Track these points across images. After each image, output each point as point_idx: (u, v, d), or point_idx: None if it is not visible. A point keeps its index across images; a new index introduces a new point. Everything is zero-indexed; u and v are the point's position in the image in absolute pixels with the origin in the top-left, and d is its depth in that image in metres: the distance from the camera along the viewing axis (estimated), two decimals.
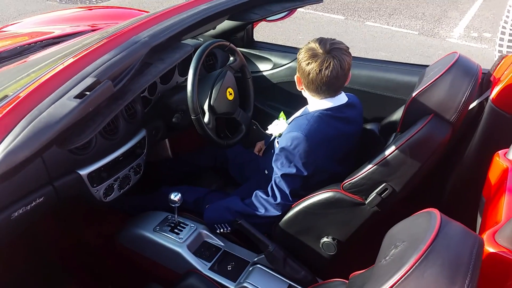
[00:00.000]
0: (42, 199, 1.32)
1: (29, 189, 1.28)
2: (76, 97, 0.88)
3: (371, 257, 1.08)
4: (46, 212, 1.38)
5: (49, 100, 0.87)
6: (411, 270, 0.61)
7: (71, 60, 0.96)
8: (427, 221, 0.69)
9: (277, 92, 2.13)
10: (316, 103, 1.51)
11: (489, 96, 1.43)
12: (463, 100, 1.24)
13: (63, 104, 0.86)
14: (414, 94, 1.29)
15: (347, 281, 1.13)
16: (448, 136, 1.25)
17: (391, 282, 0.63)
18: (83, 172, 1.43)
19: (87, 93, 0.86)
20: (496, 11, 6.79)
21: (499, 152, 1.15)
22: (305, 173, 1.46)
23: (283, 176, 1.49)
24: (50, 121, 0.85)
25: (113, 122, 1.51)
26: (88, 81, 0.88)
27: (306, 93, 1.53)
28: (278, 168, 1.50)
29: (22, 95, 0.90)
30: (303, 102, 1.64)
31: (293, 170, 1.46)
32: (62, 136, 0.89)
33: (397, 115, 1.64)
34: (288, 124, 1.58)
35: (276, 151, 1.51)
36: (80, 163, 1.43)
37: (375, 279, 0.71)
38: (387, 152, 1.28)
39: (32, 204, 1.29)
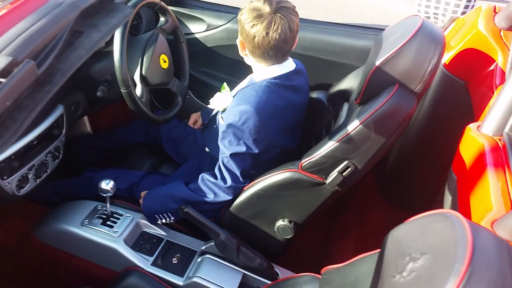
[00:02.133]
0: None
1: None
2: None
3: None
4: None
5: None
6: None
7: None
8: (450, 229, 0.59)
9: (212, 57, 1.91)
10: (262, 71, 1.35)
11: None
12: (429, 69, 1.16)
13: None
14: (378, 63, 1.18)
15: (319, 276, 1.03)
16: (414, 108, 1.17)
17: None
18: None
19: (2, 80, 0.60)
20: None
21: (470, 125, 1.10)
22: (256, 151, 1.32)
23: (232, 155, 1.33)
24: None
25: None
26: (1, 62, 0.61)
27: (250, 60, 1.37)
28: (226, 147, 1.33)
29: None
30: (245, 68, 1.47)
31: (243, 148, 1.31)
32: None
33: (347, 82, 1.54)
34: (233, 97, 1.41)
35: (222, 128, 1.34)
36: None
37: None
38: (349, 128, 1.17)
39: None
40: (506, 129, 1.03)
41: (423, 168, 1.69)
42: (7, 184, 1.23)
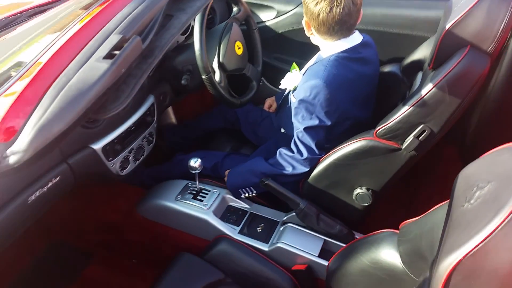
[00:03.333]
0: (58, 178, 1.22)
1: (44, 170, 1.19)
2: (105, 57, 0.76)
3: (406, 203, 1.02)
4: (63, 192, 1.29)
5: (75, 64, 0.75)
6: None
7: (87, 18, 0.83)
8: None
9: (283, 43, 2.00)
10: (329, 47, 1.41)
11: None
12: (501, 28, 1.14)
13: (93, 66, 0.74)
14: (447, 26, 1.19)
15: (397, 231, 1.07)
16: (487, 68, 1.16)
17: (492, 225, 0.57)
18: (97, 146, 1.33)
19: (116, 52, 0.75)
20: None
21: None
22: (329, 123, 1.38)
23: (306, 129, 1.40)
24: (82, 87, 0.73)
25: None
26: (114, 39, 0.76)
27: (317, 38, 1.43)
28: (299, 122, 1.41)
29: (42, 60, 0.78)
30: (313, 50, 1.53)
31: (316, 122, 1.38)
32: (97, 104, 0.78)
33: (420, 52, 1.54)
34: (303, 75, 1.48)
35: (294, 104, 1.42)
36: (93, 137, 1.33)
37: (463, 224, 0.65)
38: (423, 92, 1.19)
39: (49, 185, 1.20)
40: None
41: (505, 135, 1.63)
42: (112, 165, 1.41)
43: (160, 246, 1.63)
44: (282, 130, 1.72)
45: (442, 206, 0.90)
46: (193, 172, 1.47)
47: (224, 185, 1.60)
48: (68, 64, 0.75)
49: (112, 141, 1.38)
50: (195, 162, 1.46)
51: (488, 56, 1.18)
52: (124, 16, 0.80)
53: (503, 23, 1.15)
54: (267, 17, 1.99)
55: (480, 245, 0.58)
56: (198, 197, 1.53)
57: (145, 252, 1.69)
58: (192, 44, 1.49)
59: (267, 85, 2.10)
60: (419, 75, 1.45)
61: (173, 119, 2.12)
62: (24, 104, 0.71)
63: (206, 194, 1.55)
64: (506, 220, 0.57)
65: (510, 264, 0.57)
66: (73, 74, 0.74)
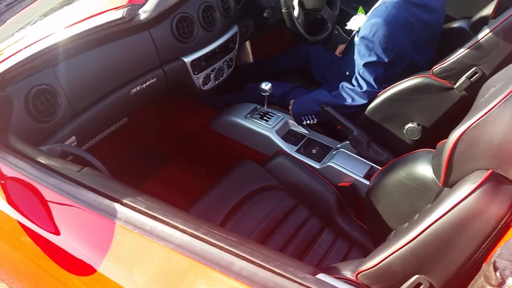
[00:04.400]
0: (154, 80, 1.50)
1: (145, 70, 1.48)
2: None
3: None
4: (157, 92, 1.57)
5: None
6: (511, 94, 0.69)
7: None
8: None
9: None
10: None
11: None
12: None
13: None
14: None
15: (433, 150, 1.22)
16: None
17: (491, 104, 0.71)
18: (187, 59, 1.59)
19: None
20: None
21: None
22: (386, 60, 1.51)
23: (365, 65, 1.55)
24: None
25: (211, 15, 1.63)
26: None
27: None
28: (360, 58, 1.56)
29: None
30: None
31: (374, 58, 1.52)
32: None
33: (490, 9, 1.60)
34: (367, 17, 1.62)
35: (356, 43, 1.57)
36: (184, 51, 1.59)
37: (474, 110, 0.79)
38: (480, 36, 1.30)
39: (147, 83, 1.49)
40: None
41: None
42: (196, 78, 1.68)
43: (227, 158, 1.88)
44: (347, 73, 1.87)
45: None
46: (263, 94, 1.69)
47: (289, 113, 1.80)
48: None
49: (199, 58, 1.63)
50: (266, 85, 1.67)
51: None
52: None
53: None
54: None
55: (481, 119, 0.73)
56: (265, 118, 1.75)
57: (213, 162, 1.96)
58: None
59: (342, 34, 2.24)
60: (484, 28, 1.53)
61: (250, 57, 2.34)
62: None
63: (272, 116, 1.77)
64: (503, 101, 0.71)
65: (503, 134, 0.71)
66: None
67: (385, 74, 1.56)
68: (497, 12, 1.36)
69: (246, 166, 1.60)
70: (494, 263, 0.50)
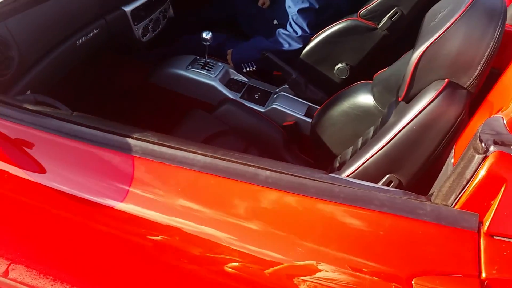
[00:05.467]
0: (98, 30, 1.47)
1: (88, 21, 1.44)
2: None
3: None
4: (101, 44, 1.54)
5: None
6: (463, 13, 0.88)
7: None
8: None
9: None
10: None
11: None
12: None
13: None
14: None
15: (370, 81, 1.42)
16: None
17: (448, 23, 0.89)
18: (127, 8, 1.57)
19: None
20: None
21: None
22: (317, 6, 1.69)
23: (299, 11, 1.70)
24: None
25: None
26: None
27: None
28: (294, 5, 1.70)
29: None
30: None
31: (306, 5, 1.68)
32: None
33: None
34: None
35: None
36: (124, 0, 1.56)
37: (427, 34, 0.96)
38: None
39: (91, 34, 1.46)
40: None
41: None
42: (136, 29, 1.66)
43: (172, 111, 1.91)
44: (275, 22, 2.00)
45: (408, 53, 1.23)
46: (204, 43, 1.74)
47: (226, 62, 1.88)
48: None
49: (138, 7, 1.62)
50: (207, 35, 1.73)
51: None
52: None
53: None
54: None
55: (440, 37, 0.90)
56: (206, 68, 1.81)
57: (159, 117, 1.97)
58: None
59: None
60: None
61: (171, 12, 2.32)
62: None
63: (213, 66, 1.83)
64: (457, 19, 0.89)
65: (458, 47, 0.89)
66: None
67: (316, 19, 1.73)
68: None
69: (196, 115, 1.67)
70: (479, 137, 0.69)
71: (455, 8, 0.92)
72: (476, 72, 0.88)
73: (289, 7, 1.73)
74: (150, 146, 0.85)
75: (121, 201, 0.82)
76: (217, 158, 0.83)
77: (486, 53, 0.87)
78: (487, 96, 0.92)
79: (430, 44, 0.90)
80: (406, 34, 1.68)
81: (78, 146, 0.86)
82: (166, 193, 0.81)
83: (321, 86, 1.78)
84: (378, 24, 1.61)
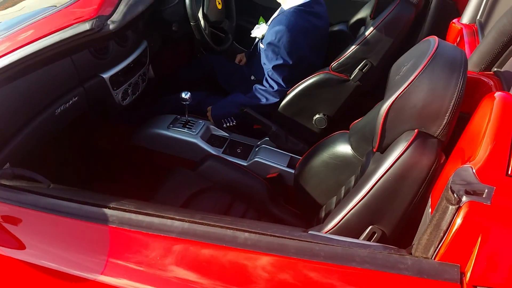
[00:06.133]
0: (76, 98, 1.49)
1: (66, 89, 1.46)
2: None
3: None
4: (80, 111, 1.55)
5: None
6: (425, 67, 0.91)
7: None
8: (427, 43, 0.99)
9: (251, 7, 2.34)
10: (289, 1, 1.76)
11: None
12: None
13: None
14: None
15: (347, 131, 1.45)
16: (413, 15, 1.58)
17: (411, 77, 0.92)
18: (106, 75, 1.60)
19: None
20: None
21: (454, 20, 1.50)
22: (291, 62, 1.74)
23: (274, 68, 1.76)
24: None
25: None
26: None
27: None
28: (268, 62, 1.76)
29: None
30: (273, 13, 1.88)
31: (281, 61, 1.74)
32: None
33: (363, 12, 1.95)
34: (268, 26, 1.83)
35: (264, 49, 1.77)
36: (102, 67, 1.60)
37: (393, 88, 1.00)
38: (366, 33, 1.59)
39: (70, 102, 1.47)
40: (478, 17, 1.43)
41: None
42: (116, 94, 1.69)
43: (155, 170, 1.91)
44: (252, 77, 2.06)
45: (380, 103, 1.27)
46: (184, 103, 1.77)
47: (207, 119, 1.91)
48: None
49: (117, 73, 1.65)
50: (185, 95, 1.76)
51: (413, 6, 1.59)
52: None
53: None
54: None
55: (405, 90, 0.93)
56: (187, 126, 1.84)
57: (141, 179, 1.96)
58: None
59: (236, 45, 2.44)
60: (363, 28, 1.85)
61: (152, 73, 2.38)
62: None
63: (194, 123, 1.86)
64: (420, 73, 0.93)
65: (423, 99, 0.92)
66: None
67: (290, 74, 1.78)
68: (376, 13, 1.67)
69: (178, 173, 1.66)
70: (450, 188, 0.70)
71: (417, 62, 0.96)
72: (444, 122, 0.90)
73: (265, 64, 1.79)
74: (127, 215, 0.84)
75: (100, 273, 0.80)
76: (195, 222, 0.82)
77: (452, 103, 0.89)
78: (458, 143, 0.94)
79: (396, 98, 0.93)
80: (379, 82, 1.75)
81: (55, 219, 0.85)
82: (146, 262, 0.79)
83: (301, 137, 1.81)
84: (350, 76, 1.67)
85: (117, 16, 0.90)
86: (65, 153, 1.82)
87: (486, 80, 1.10)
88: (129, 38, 1.70)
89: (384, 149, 1.03)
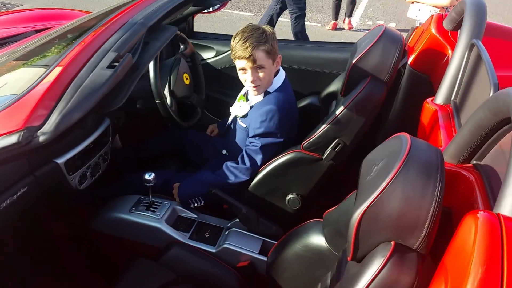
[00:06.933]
0: (26, 188, 1.35)
1: (14, 180, 1.32)
2: (108, 67, 0.98)
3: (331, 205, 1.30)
4: (30, 202, 1.41)
5: (85, 71, 0.96)
6: (398, 172, 0.83)
7: (83, 42, 1.05)
8: (399, 141, 0.92)
9: (222, 78, 2.29)
10: (275, 81, 1.73)
11: (406, 62, 1.76)
12: (393, 62, 1.53)
13: (100, 73, 0.96)
14: (353, 61, 1.56)
15: (321, 220, 1.35)
16: (384, 93, 1.53)
17: (384, 183, 0.84)
18: (60, 160, 1.47)
19: (116, 64, 0.97)
20: (384, 0, 7.61)
21: (427, 100, 1.45)
22: (282, 140, 1.68)
23: (262, 147, 1.67)
24: (94, 87, 0.97)
25: None
26: (112, 55, 0.99)
27: (272, 72, 1.70)
28: (256, 140, 1.68)
29: (59, 68, 0.98)
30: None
31: (272, 140, 1.67)
32: (103, 100, 1.01)
33: (334, 86, 1.91)
34: (251, 107, 1.76)
35: (254, 125, 1.69)
36: (57, 152, 1.47)
37: (365, 191, 0.92)
38: (337, 112, 1.53)
39: (18, 194, 1.33)
40: (452, 98, 1.38)
41: None
42: (72, 179, 1.56)
43: (113, 257, 1.75)
44: (224, 152, 1.97)
45: (354, 192, 1.18)
46: (147, 185, 1.65)
47: (174, 199, 1.79)
48: (80, 71, 0.97)
49: (73, 157, 1.53)
50: (149, 176, 1.65)
51: (384, 84, 1.55)
52: (115, 40, 1.04)
53: (394, 58, 1.53)
54: (208, 56, 2.29)
55: (377, 198, 0.84)
56: (151, 209, 1.71)
57: (99, 267, 1.80)
58: (144, 75, 1.72)
59: (208, 115, 2.37)
60: (334, 103, 1.81)
61: (119, 143, 2.28)
62: (50, 98, 0.91)
63: (158, 205, 1.73)
64: (393, 179, 0.84)
65: (398, 209, 0.83)
66: (86, 78, 0.96)
67: (274, 152, 1.69)
68: (346, 90, 1.62)
69: (139, 266, 1.52)
70: None
71: (389, 165, 0.88)
72: (423, 234, 0.81)
73: (252, 141, 1.71)
74: None
75: None
76: None
77: (430, 213, 0.79)
78: (442, 259, 0.83)
79: (368, 206, 0.84)
80: (353, 160, 1.68)
81: None
82: None
83: (274, 219, 1.69)
84: (323, 155, 1.59)
85: (48, 126, 0.80)
86: (16, 244, 1.66)
87: (466, 174, 1.03)
88: (88, 119, 1.60)
89: (359, 259, 0.92)
